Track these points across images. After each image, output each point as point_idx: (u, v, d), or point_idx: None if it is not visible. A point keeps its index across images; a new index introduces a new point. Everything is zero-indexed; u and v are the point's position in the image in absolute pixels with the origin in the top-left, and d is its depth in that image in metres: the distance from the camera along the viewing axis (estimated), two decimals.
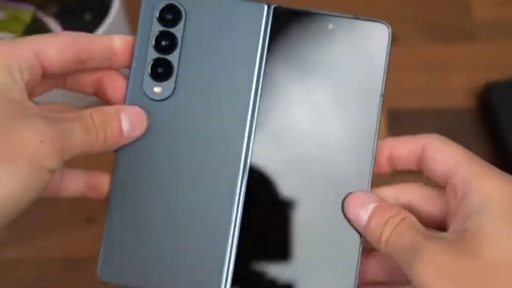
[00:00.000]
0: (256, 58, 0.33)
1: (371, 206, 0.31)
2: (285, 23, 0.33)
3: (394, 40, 0.34)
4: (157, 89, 0.33)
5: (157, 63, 0.33)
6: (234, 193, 0.32)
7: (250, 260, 0.32)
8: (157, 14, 0.33)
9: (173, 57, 0.33)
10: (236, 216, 0.32)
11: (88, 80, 0.33)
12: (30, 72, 0.29)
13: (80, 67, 0.32)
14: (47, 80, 0.32)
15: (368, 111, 0.33)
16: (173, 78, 0.33)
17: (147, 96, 0.33)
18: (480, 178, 0.30)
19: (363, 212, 0.31)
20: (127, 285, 0.32)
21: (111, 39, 0.32)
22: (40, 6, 0.48)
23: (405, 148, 0.34)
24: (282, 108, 0.33)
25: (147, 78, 0.33)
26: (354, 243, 0.32)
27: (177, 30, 0.33)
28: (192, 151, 0.32)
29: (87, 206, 0.53)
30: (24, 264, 0.51)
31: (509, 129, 0.53)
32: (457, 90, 0.57)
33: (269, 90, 0.33)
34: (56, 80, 0.33)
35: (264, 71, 0.33)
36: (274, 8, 0.33)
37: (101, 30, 0.48)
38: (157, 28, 0.33)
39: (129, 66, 0.33)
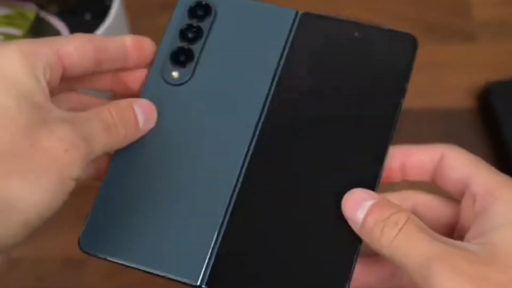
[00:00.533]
0: (277, 60, 0.33)
1: (368, 203, 0.30)
2: (311, 28, 0.34)
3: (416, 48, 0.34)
4: (175, 74, 0.33)
5: (179, 50, 0.34)
6: (232, 182, 0.32)
7: (237, 250, 0.31)
8: (189, 9, 0.35)
9: (195, 47, 0.34)
10: (229, 205, 0.31)
11: (105, 77, 0.34)
12: (52, 71, 0.29)
13: (97, 68, 0.32)
14: (63, 82, 0.31)
15: (385, 117, 0.32)
16: (192, 65, 0.34)
17: (164, 79, 0.33)
18: (504, 189, 0.29)
19: (360, 209, 0.30)
20: (108, 259, 0.31)
21: (123, 39, 0.32)
22: (41, 6, 0.48)
23: (422, 156, 0.33)
24: (296, 108, 0.33)
25: (167, 63, 0.34)
26: (351, 244, 0.30)
27: (204, 25, 0.34)
28: (198, 138, 0.33)
29: (87, 206, 0.53)
30: (24, 264, 0.51)
31: (509, 129, 0.53)
32: (457, 90, 0.57)
33: (285, 89, 0.33)
34: (72, 82, 0.33)
35: (284, 72, 0.33)
36: (302, 14, 0.34)
37: (101, 30, 0.48)
38: (186, 21, 0.34)
39: (141, 66, 0.34)
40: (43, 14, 0.47)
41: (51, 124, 0.27)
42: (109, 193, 0.32)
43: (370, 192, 0.30)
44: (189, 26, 0.34)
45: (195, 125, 0.33)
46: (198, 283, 0.30)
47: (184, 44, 0.34)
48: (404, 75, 0.33)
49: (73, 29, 0.49)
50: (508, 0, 0.62)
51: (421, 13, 0.61)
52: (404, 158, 0.33)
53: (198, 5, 0.35)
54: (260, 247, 0.31)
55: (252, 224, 0.31)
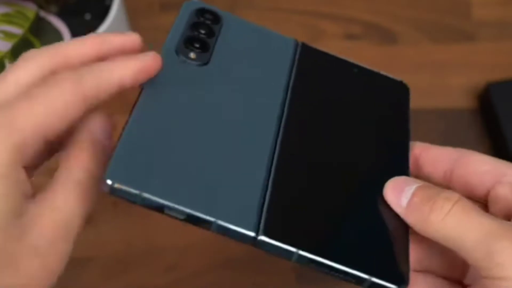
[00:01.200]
0: (285, 80, 0.33)
1: (413, 186, 0.29)
2: (309, 57, 0.35)
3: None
4: (192, 54, 0.31)
5: (195, 37, 0.32)
6: (272, 131, 0.30)
7: (289, 200, 0.28)
8: (196, 11, 0.33)
9: (209, 41, 0.32)
10: (274, 153, 0.29)
11: None
12: (28, 150, 0.25)
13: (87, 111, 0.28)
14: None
15: (400, 125, 0.34)
16: (207, 54, 0.32)
17: (177, 55, 0.31)
18: None
19: (404, 193, 0.29)
20: (144, 195, 0.25)
21: (122, 74, 0.27)
22: (41, 7, 0.48)
23: (439, 152, 0.33)
24: (317, 116, 0.33)
25: (181, 46, 0.31)
26: (402, 230, 0.29)
27: (214, 28, 0.33)
28: (230, 101, 0.31)
29: None
30: None
31: (509, 129, 0.53)
32: (457, 90, 0.58)
33: (301, 101, 0.33)
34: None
35: (297, 86, 0.33)
36: (302, 44, 0.35)
37: (101, 30, 0.48)
38: (195, 19, 0.33)
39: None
40: (43, 14, 0.47)
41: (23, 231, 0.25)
42: (142, 127, 0.27)
43: (412, 178, 0.30)
44: (201, 22, 0.33)
45: (226, 92, 0.31)
46: (254, 234, 0.26)
47: (199, 34, 0.32)
48: (405, 110, 0.35)
49: (73, 29, 0.49)
50: (508, 0, 0.62)
51: (421, 13, 0.61)
52: (421, 151, 0.33)
53: (206, 10, 0.34)
54: (310, 199, 0.29)
55: (298, 179, 0.29)
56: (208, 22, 0.33)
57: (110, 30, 0.49)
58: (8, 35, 0.44)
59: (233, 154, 0.28)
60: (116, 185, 0.25)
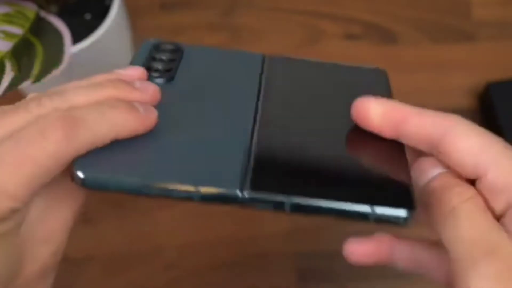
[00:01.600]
0: (254, 90, 0.33)
1: (438, 171, 0.27)
2: (279, 65, 0.35)
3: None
4: (155, 74, 0.32)
5: (157, 60, 0.33)
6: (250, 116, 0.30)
7: (272, 155, 0.27)
8: (157, 45, 0.34)
9: (171, 65, 0.33)
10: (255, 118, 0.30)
11: None
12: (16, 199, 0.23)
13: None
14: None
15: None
16: (171, 74, 0.32)
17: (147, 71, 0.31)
18: None
19: (427, 171, 0.27)
20: (119, 178, 0.25)
21: (120, 131, 0.26)
22: (41, 6, 0.48)
23: (422, 123, 0.27)
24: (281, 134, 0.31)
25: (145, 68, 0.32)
26: (397, 153, 0.27)
27: (175, 55, 0.34)
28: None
29: (87, 206, 0.53)
30: None
31: (510, 129, 0.53)
32: (457, 90, 0.58)
33: (274, 115, 0.32)
34: None
35: (268, 101, 0.33)
36: (268, 57, 0.35)
37: (101, 30, 0.48)
38: (156, 51, 0.34)
39: None
40: (43, 14, 0.47)
41: None
42: None
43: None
44: (162, 51, 0.33)
45: (194, 103, 0.31)
46: (238, 191, 0.25)
47: (160, 59, 0.33)
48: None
49: (73, 29, 0.49)
50: (508, 0, 0.62)
51: (421, 13, 0.61)
52: (402, 118, 0.27)
53: (165, 43, 0.34)
54: (294, 153, 0.27)
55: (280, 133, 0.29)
56: (169, 49, 0.34)
57: (110, 30, 0.49)
58: (8, 35, 0.44)
59: (208, 140, 0.28)
60: (89, 175, 0.24)
